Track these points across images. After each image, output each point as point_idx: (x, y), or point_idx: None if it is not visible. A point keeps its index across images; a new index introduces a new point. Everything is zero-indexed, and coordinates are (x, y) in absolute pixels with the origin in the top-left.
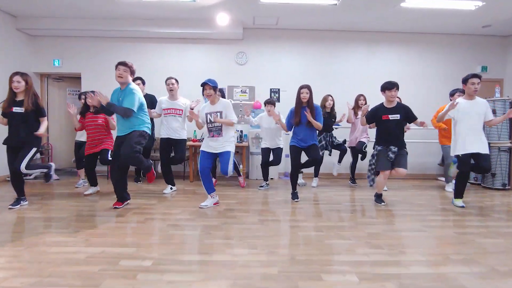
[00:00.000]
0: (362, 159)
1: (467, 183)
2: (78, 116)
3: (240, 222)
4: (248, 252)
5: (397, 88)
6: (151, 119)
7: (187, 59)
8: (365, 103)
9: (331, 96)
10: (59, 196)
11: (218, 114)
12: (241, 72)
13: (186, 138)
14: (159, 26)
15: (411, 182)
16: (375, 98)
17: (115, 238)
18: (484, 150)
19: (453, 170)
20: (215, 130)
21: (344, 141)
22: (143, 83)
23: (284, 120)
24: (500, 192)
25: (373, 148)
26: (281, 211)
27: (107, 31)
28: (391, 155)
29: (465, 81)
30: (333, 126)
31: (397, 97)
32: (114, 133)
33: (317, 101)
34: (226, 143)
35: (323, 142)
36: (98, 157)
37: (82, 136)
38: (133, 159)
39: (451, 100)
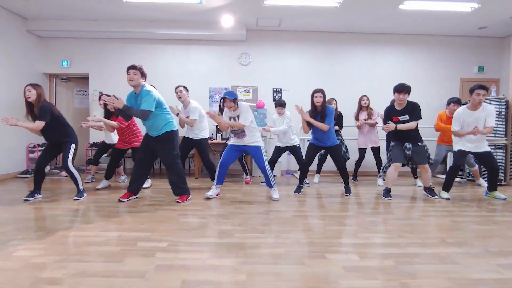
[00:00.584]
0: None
1: (455, 177)
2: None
3: (246, 212)
4: (256, 236)
5: (407, 92)
6: None
7: (192, 60)
8: (369, 103)
9: (335, 100)
10: (72, 190)
11: (236, 118)
12: (244, 73)
13: (206, 138)
14: (165, 27)
15: (412, 180)
16: (377, 99)
17: (130, 225)
18: (484, 148)
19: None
20: (239, 132)
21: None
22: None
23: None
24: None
25: (389, 144)
26: (284, 203)
27: (114, 32)
28: (408, 152)
29: (471, 91)
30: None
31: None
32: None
33: None
34: (254, 139)
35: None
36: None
37: (107, 139)
38: (175, 166)
39: (447, 108)
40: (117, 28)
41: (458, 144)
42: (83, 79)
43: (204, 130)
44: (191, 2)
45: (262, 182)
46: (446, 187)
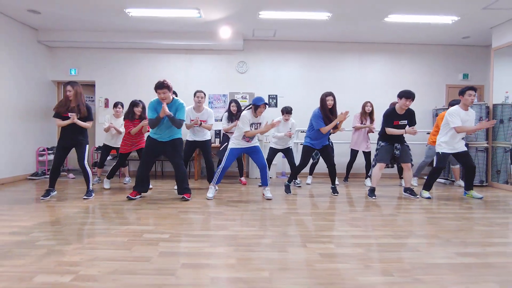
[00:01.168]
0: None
1: (437, 178)
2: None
3: (241, 210)
4: (248, 229)
5: (413, 100)
6: None
7: (192, 68)
8: (372, 109)
9: (370, 102)
10: (80, 191)
11: (258, 125)
12: (241, 80)
13: (210, 139)
14: (167, 38)
15: (398, 181)
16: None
17: (136, 220)
18: (461, 148)
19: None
20: (252, 137)
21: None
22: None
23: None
24: (478, 188)
25: (377, 144)
26: (277, 202)
27: (120, 43)
28: (397, 152)
29: (462, 93)
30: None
31: (370, 102)
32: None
33: (315, 106)
34: (256, 140)
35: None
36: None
37: (110, 141)
38: (182, 166)
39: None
40: (123, 39)
41: (442, 147)
42: (90, 87)
43: (208, 132)
44: (191, 16)
45: (260, 184)
46: (427, 186)
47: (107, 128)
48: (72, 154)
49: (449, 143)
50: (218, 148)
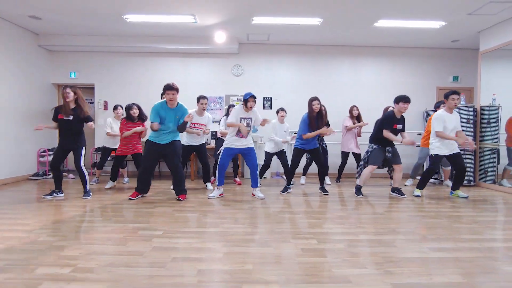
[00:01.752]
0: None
1: (430, 178)
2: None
3: (234, 208)
4: (237, 227)
5: (409, 103)
6: None
7: (189, 71)
8: (359, 113)
9: (324, 107)
10: (80, 191)
11: (250, 120)
12: (237, 83)
13: (205, 143)
14: (165, 43)
15: (389, 181)
16: (360, 106)
17: (132, 218)
18: (455, 150)
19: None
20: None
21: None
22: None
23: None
24: (466, 188)
25: (368, 146)
26: (269, 202)
27: (118, 47)
28: (388, 155)
29: (446, 97)
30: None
31: (356, 106)
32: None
33: (306, 109)
34: (250, 141)
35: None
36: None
37: (108, 143)
38: (180, 168)
39: (436, 110)
40: (121, 43)
41: (436, 149)
42: (90, 89)
43: (203, 136)
44: (187, 21)
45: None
46: (421, 186)
47: (108, 133)
48: (71, 155)
49: (442, 144)
50: (214, 149)
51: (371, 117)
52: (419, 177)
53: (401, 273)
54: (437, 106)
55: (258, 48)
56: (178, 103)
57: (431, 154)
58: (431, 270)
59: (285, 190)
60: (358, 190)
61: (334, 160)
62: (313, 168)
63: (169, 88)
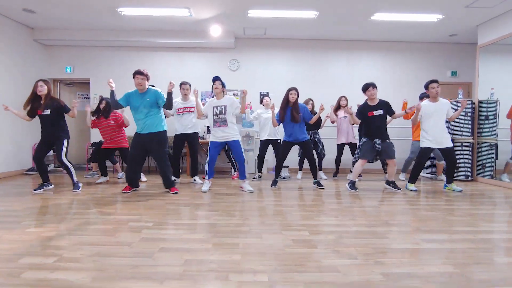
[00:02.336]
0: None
1: (421, 171)
2: (92, 117)
3: (226, 202)
4: (228, 219)
5: (374, 87)
6: None
7: (184, 66)
8: (347, 104)
9: (312, 100)
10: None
11: (223, 107)
12: (233, 78)
13: (197, 132)
14: (160, 37)
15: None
16: (356, 100)
17: (124, 210)
18: (448, 144)
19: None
20: (221, 121)
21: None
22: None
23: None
24: (463, 183)
25: (359, 140)
26: (263, 195)
27: (114, 41)
28: (378, 146)
29: (426, 86)
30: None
31: (345, 96)
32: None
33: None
34: (234, 133)
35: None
36: (118, 154)
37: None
38: (165, 162)
39: (420, 101)
40: (116, 37)
41: (424, 142)
42: (85, 84)
43: (196, 125)
44: (182, 15)
45: (254, 178)
46: (413, 179)
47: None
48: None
49: (430, 135)
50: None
51: None
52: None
53: (392, 263)
54: (420, 97)
55: (255, 43)
56: (148, 87)
57: (421, 147)
58: (422, 260)
59: (274, 183)
60: (352, 185)
61: (331, 156)
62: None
63: (138, 73)
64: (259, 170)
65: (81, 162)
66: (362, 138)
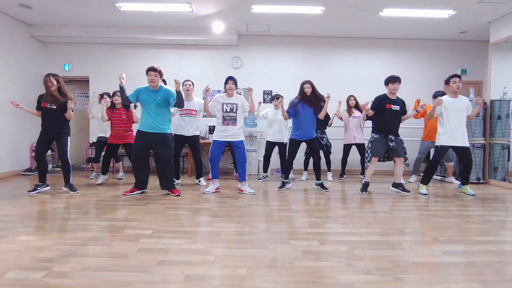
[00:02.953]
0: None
1: (435, 172)
2: (104, 110)
3: (229, 206)
4: (232, 226)
5: (399, 82)
6: None
7: (185, 64)
8: (355, 103)
9: (353, 96)
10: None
11: (234, 106)
12: (236, 76)
13: (198, 134)
14: (160, 33)
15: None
16: (360, 99)
17: (121, 216)
18: (465, 143)
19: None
20: (230, 119)
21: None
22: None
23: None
24: (475, 185)
25: (370, 136)
26: (267, 198)
27: (113, 38)
28: (391, 144)
29: (447, 81)
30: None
31: (353, 96)
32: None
33: None
34: (240, 132)
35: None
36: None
37: (103, 132)
38: (171, 164)
39: (433, 101)
40: (116, 34)
41: (440, 140)
42: (84, 82)
43: (198, 127)
44: (183, 10)
45: (259, 179)
46: (425, 181)
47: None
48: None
49: (448, 133)
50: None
51: None
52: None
53: (413, 280)
54: (434, 96)
55: (258, 40)
56: (160, 86)
57: (437, 145)
58: (445, 276)
59: (283, 185)
60: (365, 187)
61: (338, 157)
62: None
63: (151, 69)
64: (265, 170)
65: (80, 162)
66: (373, 134)
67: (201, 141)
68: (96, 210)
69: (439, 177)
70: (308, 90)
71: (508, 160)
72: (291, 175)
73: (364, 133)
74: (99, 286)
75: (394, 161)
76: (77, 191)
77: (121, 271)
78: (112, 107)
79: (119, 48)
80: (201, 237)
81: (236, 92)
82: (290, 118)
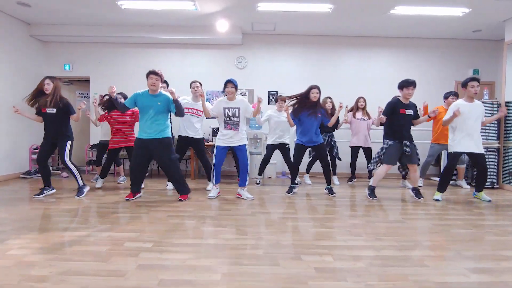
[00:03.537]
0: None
1: (450, 179)
2: (101, 112)
3: (234, 214)
4: (238, 238)
5: (414, 87)
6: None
7: (189, 64)
8: (365, 105)
9: (330, 98)
10: (71, 191)
11: (236, 110)
12: (240, 76)
13: (203, 137)
14: (163, 32)
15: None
16: (371, 100)
17: (121, 226)
18: (480, 150)
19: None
20: (233, 124)
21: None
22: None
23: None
24: (489, 191)
25: (383, 142)
26: (273, 205)
27: (115, 37)
28: (407, 149)
29: (464, 84)
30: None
31: (363, 97)
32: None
33: None
34: (242, 137)
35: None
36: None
37: (106, 135)
38: (176, 169)
39: (445, 102)
40: (117, 33)
41: (454, 146)
42: (85, 82)
43: (201, 129)
44: (186, 8)
45: (258, 183)
46: (441, 188)
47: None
48: None
49: (462, 139)
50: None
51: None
52: (434, 177)
53: None
54: (445, 97)
55: (263, 39)
56: (160, 91)
57: (450, 152)
58: None
59: (290, 190)
60: (372, 191)
61: (347, 159)
62: (317, 167)
63: (152, 73)
64: (260, 173)
65: (80, 164)
66: (388, 141)
67: (205, 143)
68: (94, 219)
69: (451, 182)
70: (316, 96)
71: None
72: (297, 180)
73: (370, 136)
74: None
75: (408, 169)
76: (78, 197)
77: None
78: (111, 107)
79: (121, 47)
80: (205, 251)
81: (241, 94)
82: (295, 125)
